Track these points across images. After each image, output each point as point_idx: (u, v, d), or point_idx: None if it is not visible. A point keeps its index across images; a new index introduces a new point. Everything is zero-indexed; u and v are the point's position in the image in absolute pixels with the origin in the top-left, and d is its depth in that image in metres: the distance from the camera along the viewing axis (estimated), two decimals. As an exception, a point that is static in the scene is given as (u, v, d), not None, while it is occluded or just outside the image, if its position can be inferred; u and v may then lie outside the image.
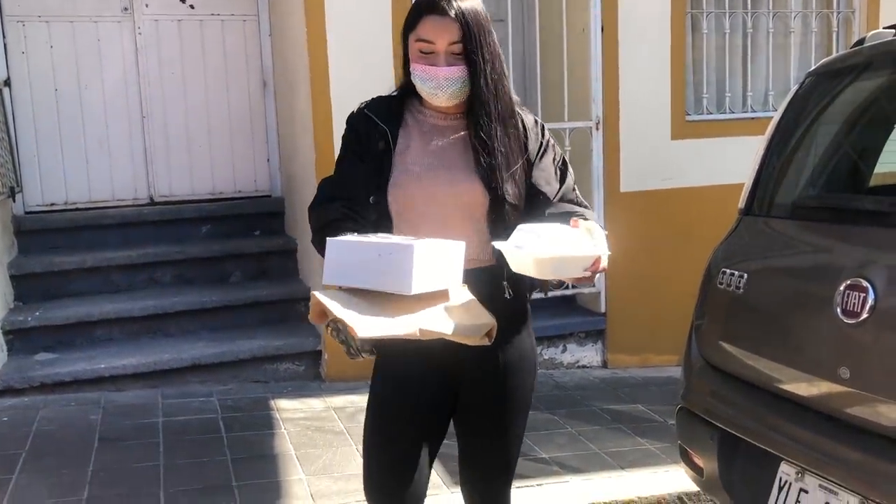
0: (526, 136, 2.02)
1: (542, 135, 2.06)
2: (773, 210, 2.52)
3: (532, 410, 2.13)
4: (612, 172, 4.99)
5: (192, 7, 5.37)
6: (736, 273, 2.40)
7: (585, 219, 1.90)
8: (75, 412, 3.96)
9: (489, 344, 1.80)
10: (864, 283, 1.93)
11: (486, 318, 1.76)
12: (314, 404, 4.18)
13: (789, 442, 2.13)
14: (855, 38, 2.90)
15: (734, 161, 4.49)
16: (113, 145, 5.32)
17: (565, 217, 1.89)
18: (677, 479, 3.25)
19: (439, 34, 1.89)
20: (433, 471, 2.12)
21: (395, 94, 2.07)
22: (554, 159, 2.06)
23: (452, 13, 1.88)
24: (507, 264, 1.80)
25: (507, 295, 1.96)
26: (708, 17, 5.30)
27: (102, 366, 4.24)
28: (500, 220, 1.94)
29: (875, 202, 2.21)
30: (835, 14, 5.57)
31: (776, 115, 2.63)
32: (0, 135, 4.71)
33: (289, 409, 4.10)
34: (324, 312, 1.67)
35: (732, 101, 5.40)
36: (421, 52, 1.91)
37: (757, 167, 2.60)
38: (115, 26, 5.26)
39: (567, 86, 4.87)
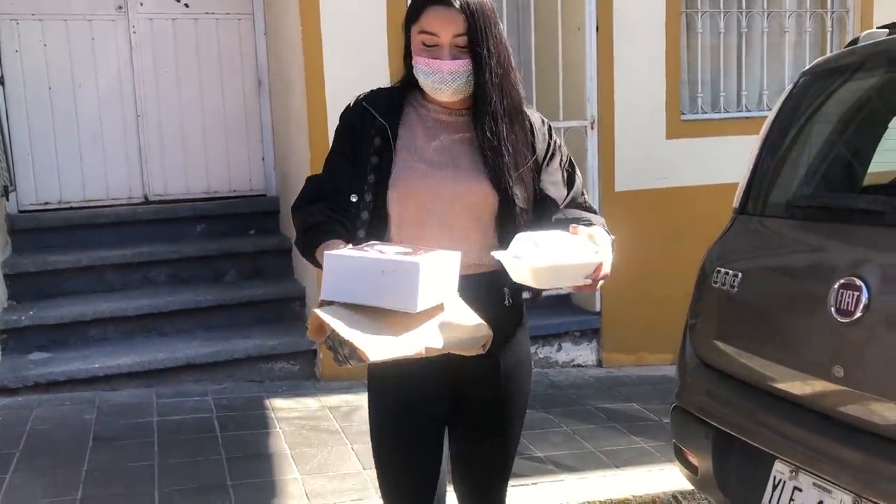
0: (533, 136, 1.95)
1: (550, 136, 1.99)
2: (767, 209, 2.53)
3: (527, 409, 2.14)
4: (606, 172, 5.00)
5: (186, 6, 5.36)
6: (730, 272, 2.40)
7: (591, 223, 1.87)
8: (70, 412, 3.95)
9: (484, 352, 1.76)
10: (858, 282, 1.93)
11: (484, 330, 1.72)
12: (309, 403, 4.18)
13: (783, 440, 2.13)
14: (849, 38, 2.91)
15: (729, 160, 4.51)
16: (107, 144, 5.30)
17: (570, 225, 1.83)
18: (672, 477, 3.26)
19: (443, 26, 1.81)
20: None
21: (396, 85, 1.98)
22: (561, 161, 2.00)
23: (458, 4, 1.80)
24: None
25: (507, 302, 1.91)
26: (703, 17, 5.31)
27: (97, 365, 4.24)
28: (508, 222, 1.87)
29: (869, 201, 2.21)
30: (829, 14, 5.59)
31: (770, 115, 2.64)
32: (-6, 133, 4.70)
33: (284, 409, 4.09)
34: (322, 328, 1.63)
35: (727, 101, 5.41)
36: (424, 44, 1.83)
37: (751, 166, 2.60)
38: (110, 25, 5.24)
39: (562, 85, 4.87)
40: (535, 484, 3.31)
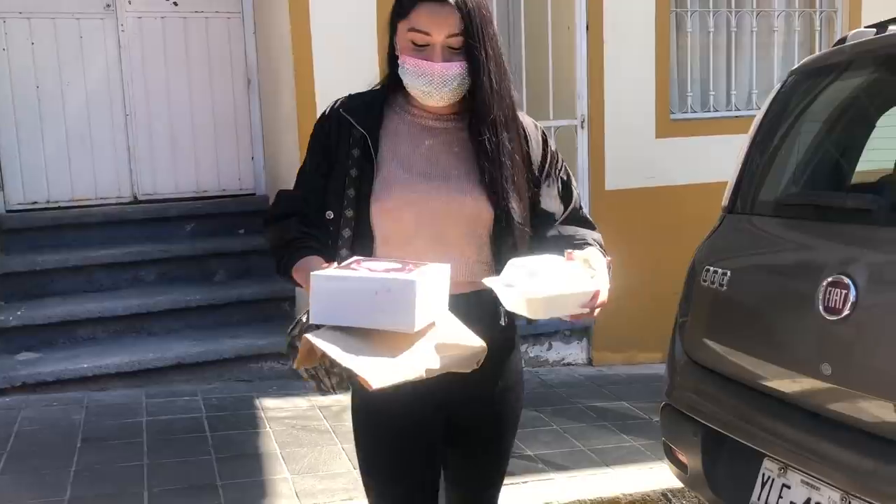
0: (528, 144, 1.81)
1: (546, 143, 1.86)
2: (756, 208, 2.54)
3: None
4: (596, 171, 5.01)
5: (175, 4, 5.33)
6: (719, 271, 2.41)
7: (588, 243, 1.77)
8: (58, 412, 3.93)
9: (477, 368, 1.64)
10: (846, 280, 1.94)
11: (479, 345, 1.62)
12: (299, 403, 4.17)
13: (772, 438, 2.14)
14: (837, 37, 2.92)
15: (718, 159, 4.51)
16: (96, 143, 5.27)
17: (567, 243, 1.75)
18: (662, 475, 3.26)
19: (437, 25, 1.65)
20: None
21: (377, 88, 1.84)
22: (558, 171, 1.87)
23: (453, 1, 1.64)
24: None
25: (502, 322, 1.79)
26: (692, 16, 5.32)
27: (86, 365, 4.21)
28: (505, 237, 1.74)
29: (857, 200, 2.22)
30: (817, 13, 5.61)
31: (759, 114, 2.64)
32: (-19, 132, 4.67)
33: (273, 408, 4.08)
34: (312, 354, 1.53)
35: (716, 100, 5.43)
36: (413, 43, 1.68)
37: (740, 165, 2.61)
38: (98, 23, 5.21)
39: (552, 84, 4.88)
40: (525, 483, 3.31)
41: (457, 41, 1.67)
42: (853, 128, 2.59)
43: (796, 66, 2.67)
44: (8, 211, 5.09)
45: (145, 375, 4.30)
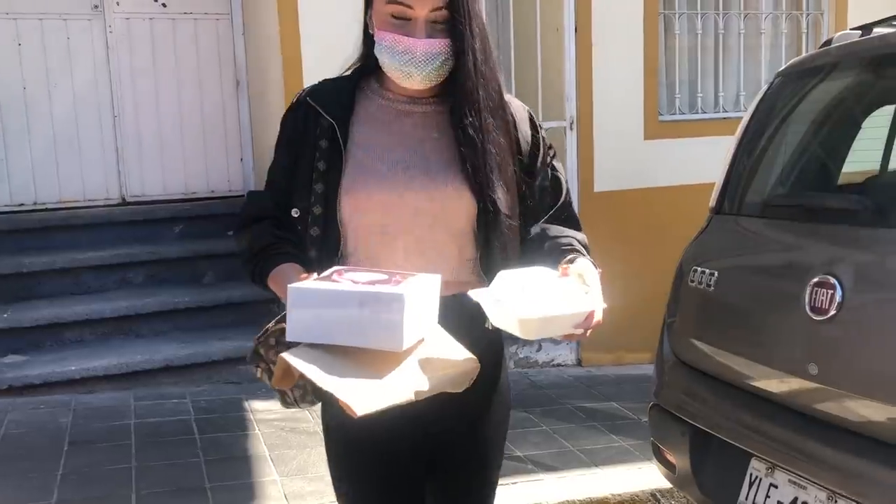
0: (516, 129, 1.64)
1: (535, 128, 1.69)
2: (743, 209, 2.55)
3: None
4: (586, 172, 5.02)
5: (164, 5, 5.32)
6: (707, 271, 2.42)
7: (575, 248, 1.61)
8: (45, 415, 3.90)
9: (469, 386, 1.49)
10: (832, 281, 1.95)
11: (471, 362, 1.48)
12: (288, 405, 4.15)
13: (759, 438, 2.15)
14: (823, 39, 2.94)
15: (706, 161, 4.52)
16: (83, 145, 5.25)
17: (554, 250, 1.60)
18: (651, 475, 3.27)
19: None
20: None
21: (348, 73, 1.67)
22: (547, 161, 1.70)
23: None
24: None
25: (488, 326, 1.53)
26: (680, 18, 5.35)
27: (73, 368, 4.19)
28: (491, 232, 1.58)
29: (843, 200, 2.24)
30: (804, 15, 5.65)
31: (746, 115, 2.66)
32: (-33, 134, 4.64)
33: (262, 410, 4.07)
34: (289, 375, 1.41)
35: (704, 102, 5.45)
36: (393, 17, 1.52)
37: (727, 167, 2.63)
38: (86, 24, 5.19)
39: (541, 85, 4.89)
40: (515, 483, 3.32)
41: (441, 15, 1.51)
42: (839, 129, 2.60)
43: (783, 67, 2.69)
44: (-6, 213, 5.06)
45: (133, 378, 4.27)
